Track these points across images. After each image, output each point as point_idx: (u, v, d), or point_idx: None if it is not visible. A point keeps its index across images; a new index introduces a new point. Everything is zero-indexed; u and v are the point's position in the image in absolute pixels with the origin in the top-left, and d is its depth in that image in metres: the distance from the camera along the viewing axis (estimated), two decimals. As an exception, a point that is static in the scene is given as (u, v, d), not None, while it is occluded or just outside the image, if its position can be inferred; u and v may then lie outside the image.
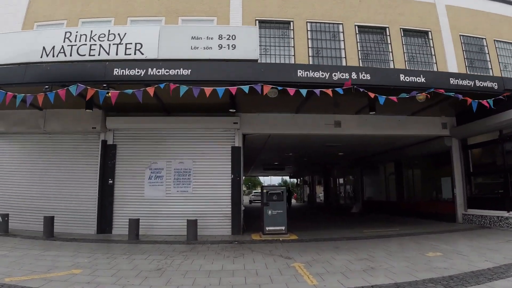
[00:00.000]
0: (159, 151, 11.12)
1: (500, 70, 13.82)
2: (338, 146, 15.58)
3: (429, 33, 14.07)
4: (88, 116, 10.62)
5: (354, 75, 8.69)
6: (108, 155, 11.06)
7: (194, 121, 10.97)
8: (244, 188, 64.92)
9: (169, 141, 11.18)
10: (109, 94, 8.14)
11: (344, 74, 8.65)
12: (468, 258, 6.50)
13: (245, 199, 47.01)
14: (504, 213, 10.72)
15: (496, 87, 10.09)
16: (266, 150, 16.23)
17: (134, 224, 9.61)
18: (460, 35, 14.37)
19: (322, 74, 8.53)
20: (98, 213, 10.67)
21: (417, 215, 15.30)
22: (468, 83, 9.78)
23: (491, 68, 13.81)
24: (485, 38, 14.67)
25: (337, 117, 11.75)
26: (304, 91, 8.14)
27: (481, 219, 11.56)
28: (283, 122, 11.42)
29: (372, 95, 8.53)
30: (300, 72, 8.44)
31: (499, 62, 14.05)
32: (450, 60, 13.45)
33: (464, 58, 13.79)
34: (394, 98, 8.71)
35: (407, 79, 9.11)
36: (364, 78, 8.76)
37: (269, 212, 9.72)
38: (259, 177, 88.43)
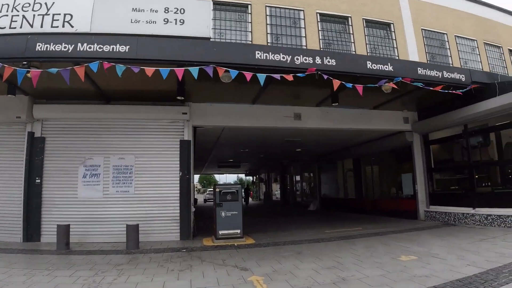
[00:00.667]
0: (95, 145, 9.57)
1: (461, 66, 13.61)
2: (298, 142, 14.74)
3: (392, 25, 13.57)
4: (12, 103, 8.90)
5: (318, 60, 7.79)
6: (36, 149, 9.35)
7: (137, 111, 9.55)
8: (199, 186, 62.96)
9: (107, 133, 9.65)
10: (29, 74, 6.65)
11: (307, 58, 7.72)
12: (447, 263, 5.76)
13: (200, 198, 45.57)
14: (470, 210, 10.35)
15: (463, 79, 9.68)
16: (220, 145, 15.02)
17: (63, 231, 8.06)
18: (422, 29, 14.04)
19: (283, 57, 7.53)
20: (24, 217, 8.96)
21: (377, 212, 14.87)
22: (436, 73, 9.27)
23: (452, 64, 13.56)
24: (446, 34, 14.48)
25: (297, 109, 10.85)
26: (262, 76, 7.06)
27: (444, 216, 11.17)
28: (239, 114, 10.31)
29: (336, 83, 7.65)
30: (258, 53, 7.37)
31: (459, 58, 13.86)
32: (412, 53, 13.00)
33: (426, 52, 13.42)
34: (360, 86, 7.92)
35: (374, 66, 8.37)
36: (329, 64, 7.89)
37: (223, 213, 8.56)
38: (215, 175, 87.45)
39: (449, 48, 14.21)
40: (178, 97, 8.60)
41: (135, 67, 6.70)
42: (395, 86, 8.34)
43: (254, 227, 11.71)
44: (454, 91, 9.19)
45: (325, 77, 7.52)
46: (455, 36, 14.75)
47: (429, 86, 8.89)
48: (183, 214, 9.31)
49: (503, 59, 16.29)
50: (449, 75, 9.48)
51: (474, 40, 15.57)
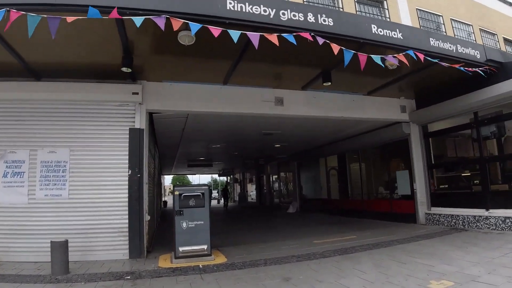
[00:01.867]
0: (19, 134, 7.23)
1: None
2: (277, 135, 12.79)
3: (385, 2, 11.97)
4: None
5: (311, 17, 5.83)
6: None
7: (73, 90, 7.28)
8: (171, 188, 59.41)
9: (35, 120, 7.33)
10: None
11: (296, 14, 5.74)
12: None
13: (170, 201, 42.85)
14: (483, 212, 8.72)
15: (478, 56, 8.01)
16: (187, 139, 12.85)
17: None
18: (417, 8, 12.56)
19: (265, 10, 5.51)
20: None
21: (366, 215, 13.15)
22: (450, 47, 7.53)
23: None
24: (442, 16, 13.14)
25: (278, 92, 8.89)
26: (236, 34, 5.03)
27: (451, 219, 9.50)
28: (207, 96, 8.21)
29: (336, 48, 5.71)
30: (231, 3, 5.32)
31: (456, 42, 12.49)
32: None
33: (422, 33, 11.90)
34: (364, 56, 6.04)
35: (380, 32, 6.51)
36: (325, 24, 5.96)
37: (184, 224, 6.43)
38: (188, 176, 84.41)
39: (445, 32, 12.79)
40: (124, 69, 6.45)
41: (53, 18, 4.52)
42: (405, 60, 6.50)
43: (226, 237, 9.69)
44: (472, 69, 7.49)
45: (321, 41, 5.57)
46: (450, 19, 13.46)
47: (443, 62, 7.14)
48: (133, 225, 7.13)
49: (498, 47, 15.06)
50: (463, 50, 7.78)
51: (469, 25, 14.25)
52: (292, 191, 21.19)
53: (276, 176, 24.50)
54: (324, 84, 7.72)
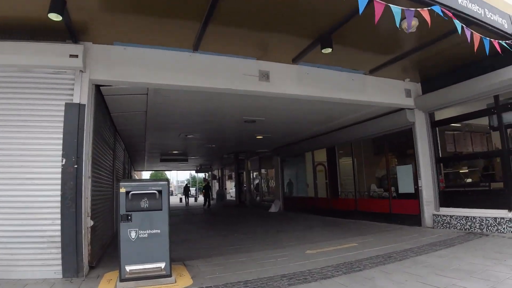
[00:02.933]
0: None
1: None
2: (260, 123, 11.04)
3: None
4: None
5: None
6: None
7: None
8: None
9: None
10: None
11: None
12: None
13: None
14: (505, 213, 7.28)
15: (506, 26, 6.50)
16: (153, 126, 10.88)
17: None
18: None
19: None
20: None
21: (359, 216, 11.65)
22: (478, 9, 5.97)
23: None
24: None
25: (264, 65, 7.14)
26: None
27: (465, 221, 8.02)
28: (173, 65, 6.36)
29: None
30: None
31: None
32: None
33: None
34: (382, 5, 4.37)
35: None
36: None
37: (133, 234, 4.60)
38: (165, 172, 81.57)
39: None
40: (53, 16, 4.55)
41: None
42: (429, 19, 4.86)
43: (197, 245, 7.95)
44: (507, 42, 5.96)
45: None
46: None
47: (467, 27, 5.57)
48: (67, 233, 5.26)
49: None
50: (491, 16, 6.25)
51: None
52: (274, 188, 19.53)
53: (257, 173, 22.81)
54: (323, 51, 6.03)
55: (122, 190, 4.62)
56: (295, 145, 16.20)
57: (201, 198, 39.25)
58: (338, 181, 13.93)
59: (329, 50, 6.01)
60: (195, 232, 10.89)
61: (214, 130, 12.14)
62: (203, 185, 21.46)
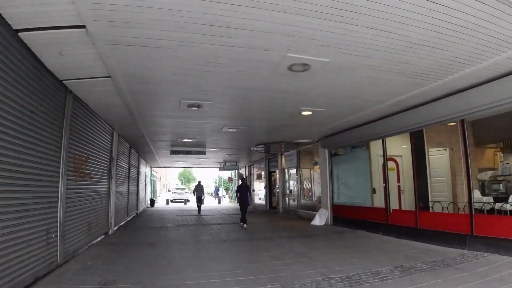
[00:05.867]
0: None
1: None
2: (309, 87, 6.25)
3: None
4: None
5: None
6: None
7: None
8: (179, 184, 50.44)
9: None
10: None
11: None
12: None
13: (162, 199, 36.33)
14: None
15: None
16: (136, 98, 6.39)
17: None
18: None
19: None
20: None
21: (478, 245, 6.64)
22: None
23: None
24: None
25: None
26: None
27: None
28: None
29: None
30: None
31: None
32: None
33: None
34: None
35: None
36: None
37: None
38: (192, 170, 77.74)
39: None
40: None
41: None
42: None
43: None
44: None
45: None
46: None
47: None
48: None
49: None
50: None
51: None
52: (319, 193, 14.60)
53: (294, 172, 17.85)
54: None
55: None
56: (354, 130, 11.23)
57: (224, 203, 34.72)
58: (428, 185, 8.92)
59: None
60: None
61: (235, 94, 7.36)
62: (240, 184, 13.50)
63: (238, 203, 13.43)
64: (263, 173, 23.52)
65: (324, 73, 5.90)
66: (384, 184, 10.39)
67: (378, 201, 10.77)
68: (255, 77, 6.09)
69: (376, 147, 11.01)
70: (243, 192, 13.11)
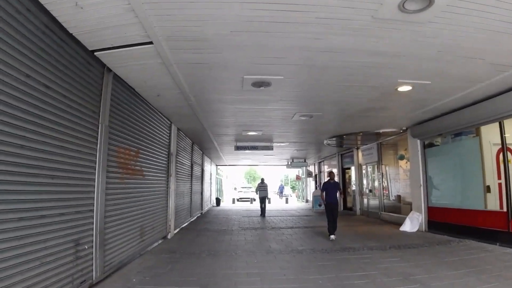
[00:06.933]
0: None
1: None
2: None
3: None
4: None
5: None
6: None
7: None
8: (245, 182, 49.16)
9: None
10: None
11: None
12: None
13: (227, 198, 35.42)
14: None
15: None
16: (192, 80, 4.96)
17: None
18: None
19: None
20: None
21: None
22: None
23: None
24: None
25: None
26: None
27: None
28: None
29: None
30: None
31: None
32: None
33: None
34: None
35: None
36: None
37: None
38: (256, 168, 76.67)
39: None
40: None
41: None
42: None
43: None
44: None
45: None
46: None
47: None
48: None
49: None
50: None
51: None
52: (408, 193, 12.27)
53: (375, 167, 15.56)
54: None
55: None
56: (459, 112, 8.87)
57: (292, 203, 33.15)
58: None
59: None
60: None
61: (313, 61, 5.51)
62: (327, 180, 10.30)
63: (323, 206, 10.42)
64: (335, 170, 21.37)
65: (448, 15, 3.93)
66: (501, 181, 7.96)
67: (493, 203, 8.38)
68: (344, 28, 4.28)
69: (489, 133, 8.58)
70: (331, 191, 9.91)
